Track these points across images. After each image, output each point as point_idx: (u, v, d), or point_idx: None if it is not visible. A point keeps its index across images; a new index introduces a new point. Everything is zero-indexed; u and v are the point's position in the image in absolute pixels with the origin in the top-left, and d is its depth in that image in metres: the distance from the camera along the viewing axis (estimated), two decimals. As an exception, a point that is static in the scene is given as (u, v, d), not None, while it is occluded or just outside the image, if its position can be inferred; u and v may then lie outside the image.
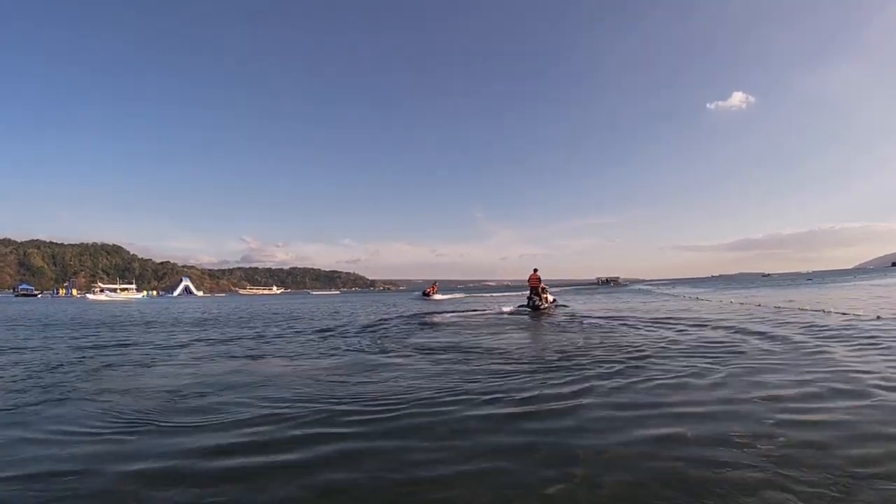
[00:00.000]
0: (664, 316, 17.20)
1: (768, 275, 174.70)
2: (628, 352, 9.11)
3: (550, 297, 24.78)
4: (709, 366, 7.48)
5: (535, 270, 24.02)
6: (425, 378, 7.37)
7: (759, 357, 8.15)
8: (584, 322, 15.90)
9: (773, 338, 10.25)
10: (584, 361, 8.21)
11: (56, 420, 5.50)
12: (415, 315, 22.30)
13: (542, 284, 24.06)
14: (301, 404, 5.89)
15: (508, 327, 15.41)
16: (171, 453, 4.28)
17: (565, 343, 10.80)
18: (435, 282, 48.69)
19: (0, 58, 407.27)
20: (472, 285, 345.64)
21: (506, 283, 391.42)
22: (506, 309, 24.08)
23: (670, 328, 13.11)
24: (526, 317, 19.83)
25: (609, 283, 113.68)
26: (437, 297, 45.10)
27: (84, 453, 4.37)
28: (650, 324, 14.47)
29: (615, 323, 15.29)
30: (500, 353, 9.56)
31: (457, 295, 56.24)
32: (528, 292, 24.49)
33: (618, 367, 7.63)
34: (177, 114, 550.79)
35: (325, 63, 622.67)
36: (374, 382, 7.19)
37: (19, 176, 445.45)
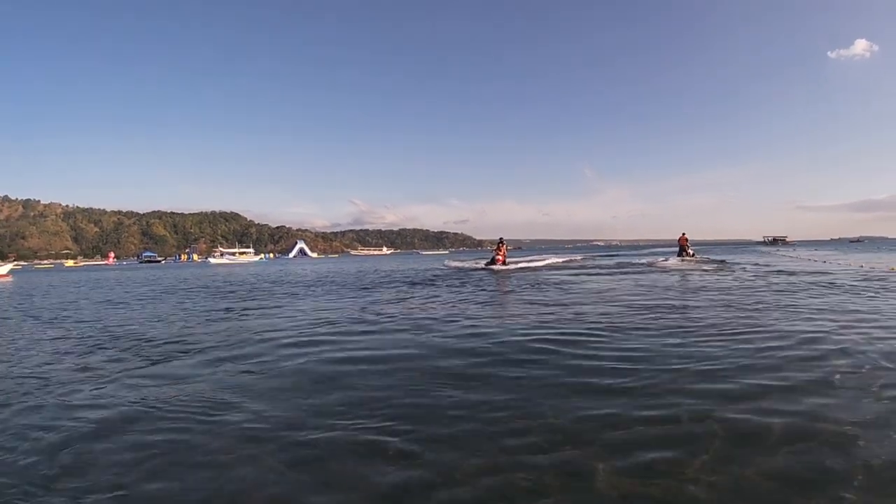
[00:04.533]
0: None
1: (860, 239, 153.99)
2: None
3: (691, 252, 30.66)
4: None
5: (684, 233, 30.87)
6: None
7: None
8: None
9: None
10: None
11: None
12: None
13: (688, 244, 30.56)
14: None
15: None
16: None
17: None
18: (501, 239, 27.66)
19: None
20: (580, 244, 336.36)
21: (615, 242, 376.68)
22: (662, 261, 28.74)
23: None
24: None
25: (777, 243, 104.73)
26: (505, 265, 26.14)
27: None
28: None
29: None
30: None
31: (548, 259, 36.95)
32: (676, 249, 31.46)
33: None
34: (287, 86, 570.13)
35: (425, 19, 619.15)
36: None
37: (141, 152, 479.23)
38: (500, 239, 27.37)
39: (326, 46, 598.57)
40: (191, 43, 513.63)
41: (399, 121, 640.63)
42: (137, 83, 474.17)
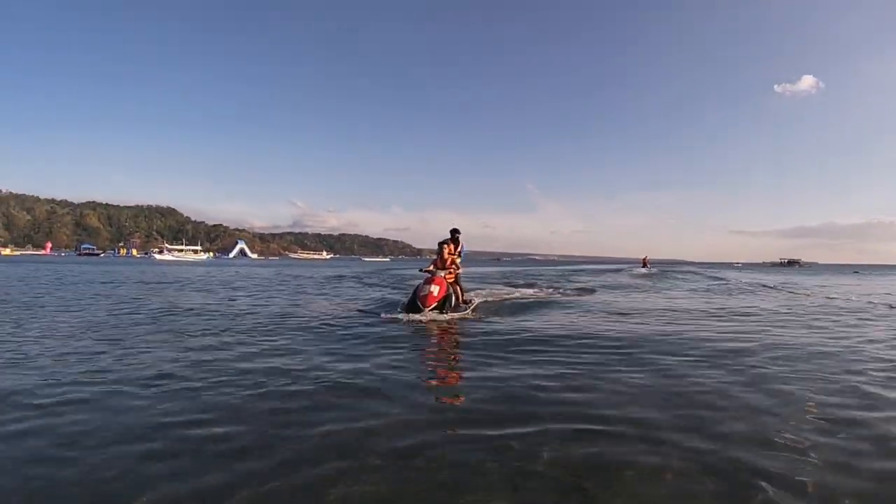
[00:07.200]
0: None
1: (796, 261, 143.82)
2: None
3: (651, 268, 46.12)
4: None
5: (646, 256, 49.58)
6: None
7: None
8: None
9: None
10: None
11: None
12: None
13: (649, 262, 50.05)
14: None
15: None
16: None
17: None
18: (451, 238, 11.02)
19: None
20: (518, 258, 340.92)
21: (553, 257, 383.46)
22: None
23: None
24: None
25: (793, 265, 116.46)
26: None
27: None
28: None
29: None
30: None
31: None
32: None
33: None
34: (231, 77, 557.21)
35: (383, 28, 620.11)
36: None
37: (76, 139, 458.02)
38: (454, 236, 11.13)
39: (274, 44, 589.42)
40: (126, 32, 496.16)
41: (347, 125, 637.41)
42: (72, 73, 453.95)
